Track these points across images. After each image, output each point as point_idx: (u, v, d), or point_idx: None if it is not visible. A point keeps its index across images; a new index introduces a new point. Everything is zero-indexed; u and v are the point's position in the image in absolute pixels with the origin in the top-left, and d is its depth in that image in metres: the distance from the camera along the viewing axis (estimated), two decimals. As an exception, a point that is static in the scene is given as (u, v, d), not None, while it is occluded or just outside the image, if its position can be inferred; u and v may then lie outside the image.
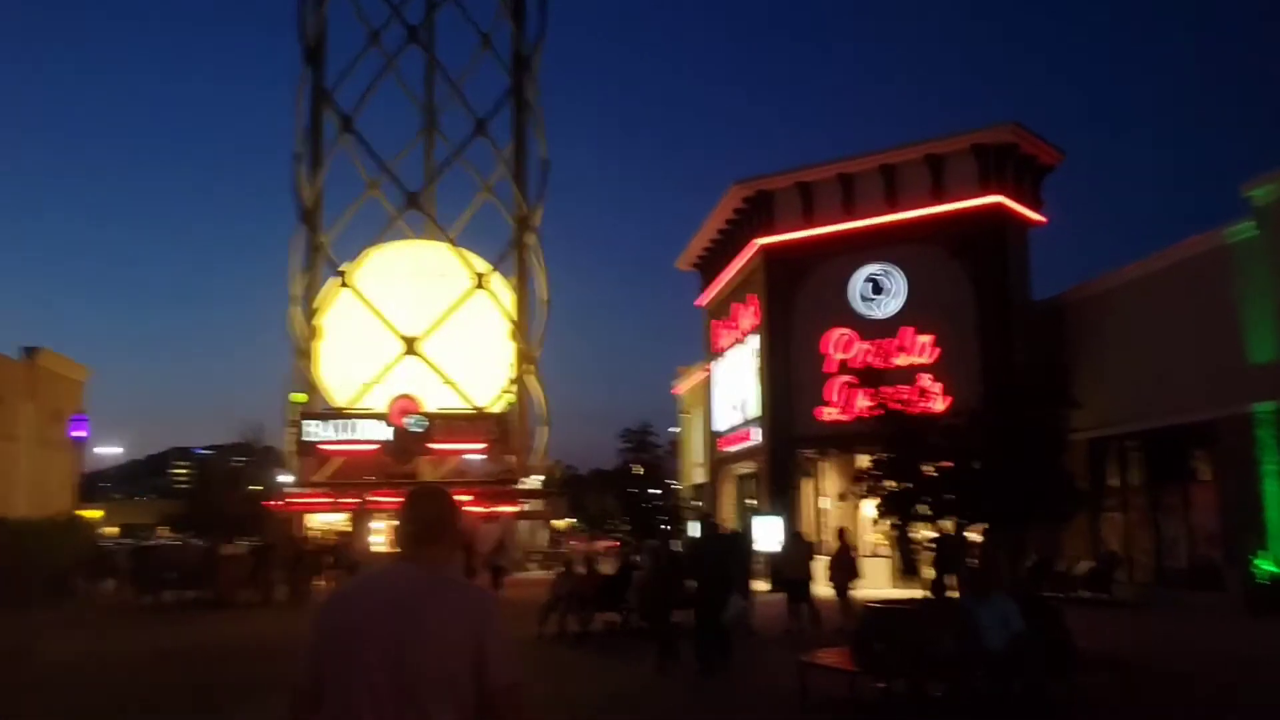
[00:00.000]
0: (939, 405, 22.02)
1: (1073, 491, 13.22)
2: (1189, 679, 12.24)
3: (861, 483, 13.16)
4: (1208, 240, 22.21)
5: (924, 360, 27.50)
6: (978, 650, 9.54)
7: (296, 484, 42.21)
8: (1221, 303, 21.55)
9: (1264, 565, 19.63)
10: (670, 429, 52.36)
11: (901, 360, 27.29)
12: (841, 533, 19.16)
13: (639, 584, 16.89)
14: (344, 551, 30.43)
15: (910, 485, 12.48)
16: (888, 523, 20.64)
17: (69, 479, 42.13)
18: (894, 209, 28.90)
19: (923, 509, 12.77)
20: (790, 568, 17.89)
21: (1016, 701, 9.25)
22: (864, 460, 29.28)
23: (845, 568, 17.93)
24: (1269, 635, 14.98)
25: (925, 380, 25.79)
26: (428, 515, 3.03)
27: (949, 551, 24.39)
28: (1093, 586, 23.26)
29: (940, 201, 28.28)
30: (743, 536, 20.29)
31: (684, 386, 50.53)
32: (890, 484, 12.98)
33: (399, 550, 3.03)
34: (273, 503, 41.46)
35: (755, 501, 35.56)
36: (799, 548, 18.36)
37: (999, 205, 27.66)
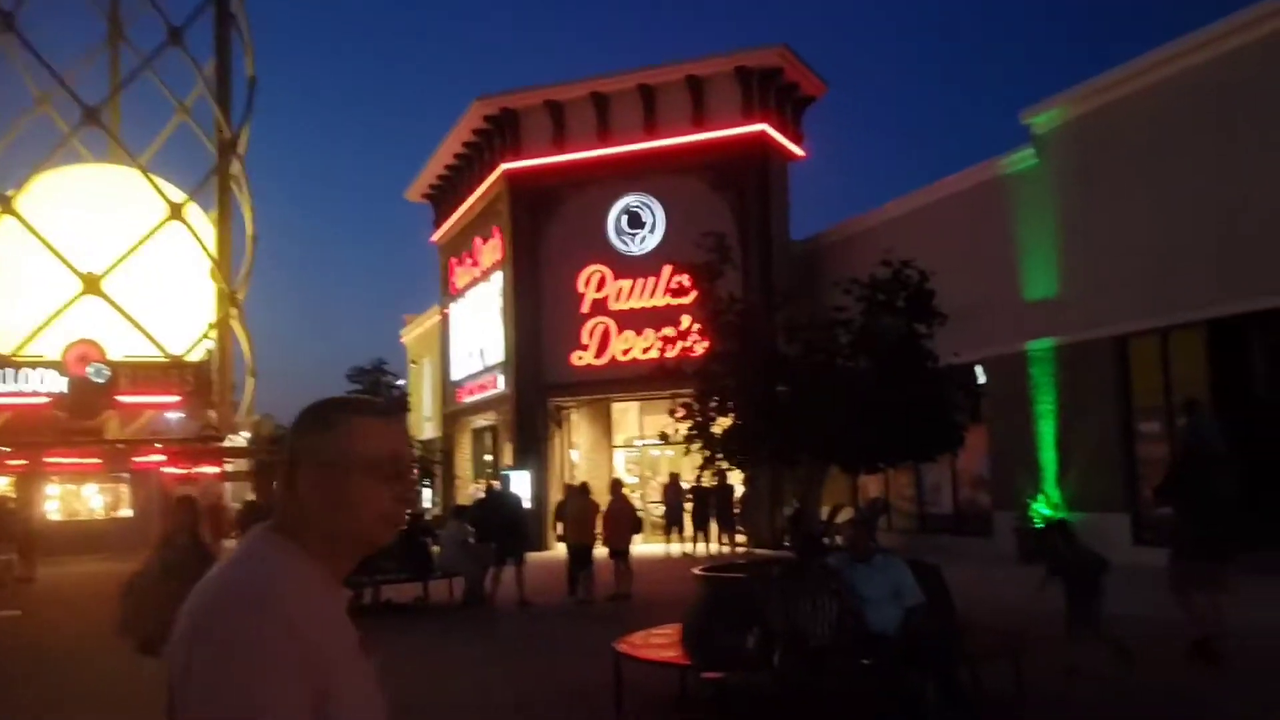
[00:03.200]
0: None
1: (955, 421, 11.31)
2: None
3: (685, 418, 10.72)
4: (983, 171, 21.25)
5: (684, 301, 25.52)
6: (863, 631, 7.33)
7: (-50, 444, 35.67)
8: (996, 237, 20.66)
9: (1041, 509, 18.90)
10: (399, 381, 48.62)
11: (663, 301, 25.12)
12: (616, 485, 16.82)
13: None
14: (6, 521, 25.28)
15: (753, 419, 10.13)
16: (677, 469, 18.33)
17: None
18: (653, 135, 26.62)
19: (771, 450, 10.44)
20: (575, 529, 15.22)
21: (917, 699, 7.10)
22: (620, 402, 27.39)
23: (624, 525, 15.57)
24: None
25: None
26: None
27: (716, 502, 22.89)
28: (857, 535, 22.27)
29: (701, 129, 26.26)
30: (511, 495, 17.37)
31: (412, 334, 46.96)
32: (724, 420, 10.61)
33: None
34: (-77, 466, 34.97)
35: (491, 457, 32.91)
36: (582, 504, 15.66)
37: (762, 135, 25.95)
